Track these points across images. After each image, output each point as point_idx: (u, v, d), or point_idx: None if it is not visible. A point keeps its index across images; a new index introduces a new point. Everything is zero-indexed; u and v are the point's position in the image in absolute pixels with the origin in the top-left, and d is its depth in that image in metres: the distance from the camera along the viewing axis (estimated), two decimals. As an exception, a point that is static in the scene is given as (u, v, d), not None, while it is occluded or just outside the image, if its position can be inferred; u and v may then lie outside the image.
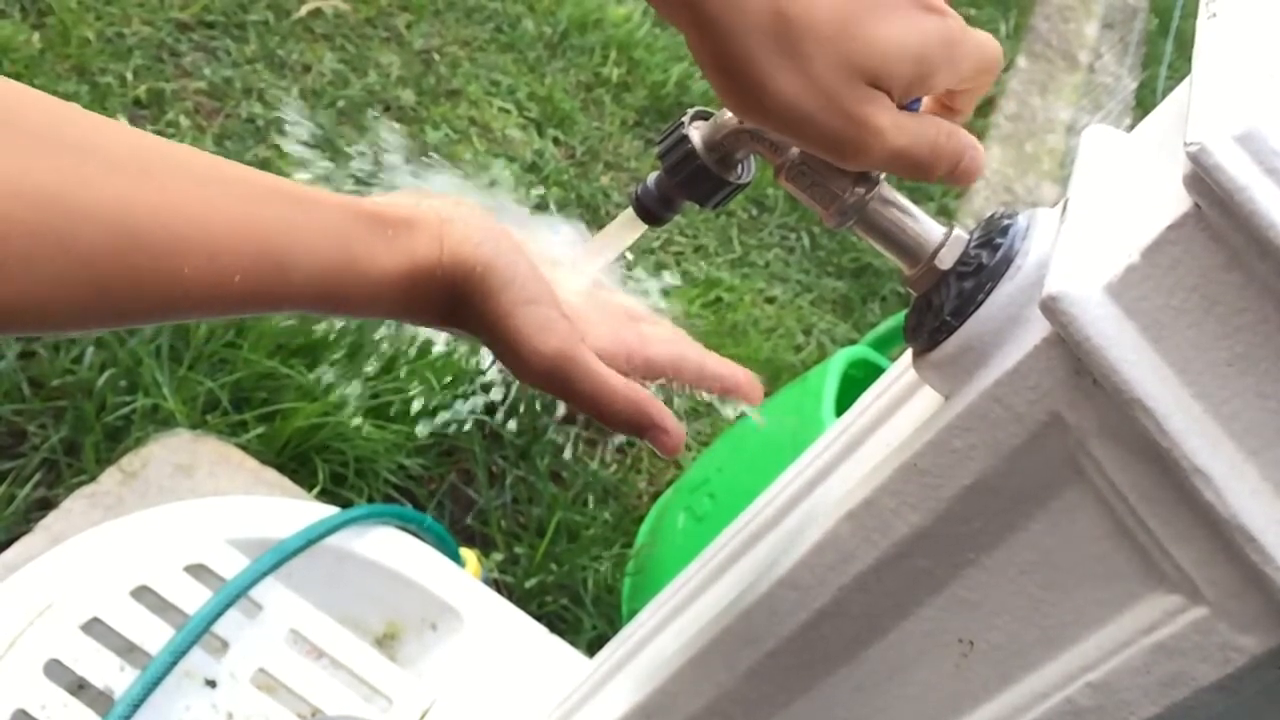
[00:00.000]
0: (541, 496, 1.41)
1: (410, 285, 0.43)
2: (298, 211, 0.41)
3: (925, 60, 0.40)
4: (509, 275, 0.45)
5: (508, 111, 1.94)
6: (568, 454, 1.48)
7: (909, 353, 0.50)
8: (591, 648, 1.20)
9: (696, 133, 0.48)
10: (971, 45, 0.42)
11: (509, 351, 0.45)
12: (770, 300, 1.95)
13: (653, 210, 0.51)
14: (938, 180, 0.43)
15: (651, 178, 0.50)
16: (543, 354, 0.45)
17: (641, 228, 0.52)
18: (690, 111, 0.49)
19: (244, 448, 1.19)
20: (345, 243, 0.42)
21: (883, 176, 0.46)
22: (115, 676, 0.89)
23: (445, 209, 0.46)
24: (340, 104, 1.76)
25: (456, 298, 0.44)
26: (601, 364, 0.47)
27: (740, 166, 0.49)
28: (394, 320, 0.45)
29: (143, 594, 0.94)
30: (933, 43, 0.40)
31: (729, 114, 0.48)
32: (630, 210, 0.52)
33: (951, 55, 0.41)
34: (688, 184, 0.49)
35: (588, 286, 0.52)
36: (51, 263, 0.35)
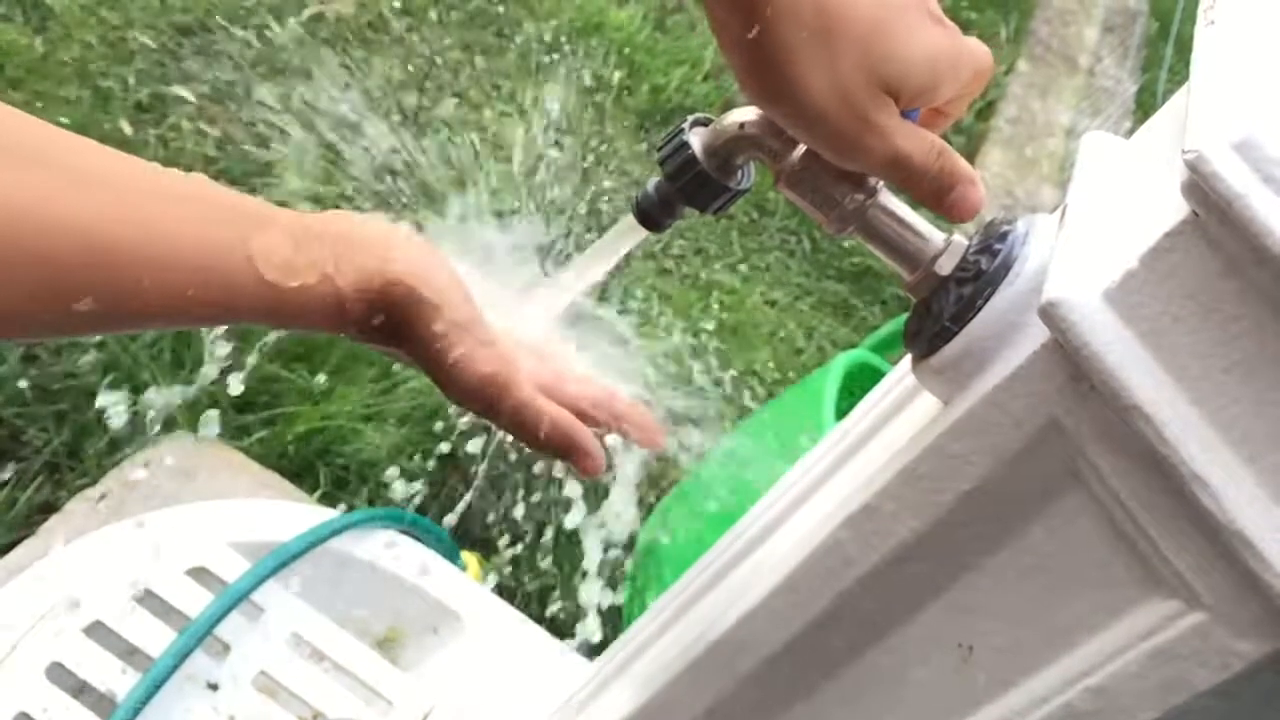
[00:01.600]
0: (542, 499, 1.41)
1: (353, 303, 0.45)
2: (248, 229, 0.43)
3: (935, 71, 0.42)
4: (444, 297, 0.46)
5: (509, 115, 1.95)
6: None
7: (908, 358, 0.50)
8: (592, 652, 1.20)
9: (697, 139, 0.48)
10: (969, 55, 0.43)
11: (440, 371, 0.47)
12: (771, 303, 1.95)
13: (653, 216, 0.51)
14: (928, 202, 0.44)
15: (652, 184, 0.50)
16: (473, 375, 0.47)
17: (642, 233, 0.53)
18: (690, 118, 0.49)
19: (245, 452, 1.19)
20: (291, 259, 0.43)
21: (881, 183, 0.47)
22: (117, 679, 0.89)
23: (385, 230, 0.47)
24: (342, 108, 1.76)
25: (395, 316, 0.46)
26: (528, 388, 0.48)
27: (740, 172, 0.49)
28: (336, 335, 0.47)
29: (145, 597, 0.95)
30: (943, 54, 0.42)
31: (729, 120, 0.48)
32: (630, 216, 0.52)
33: (955, 66, 0.43)
34: (688, 190, 0.49)
35: (506, 327, 0.54)
36: (27, 273, 0.37)
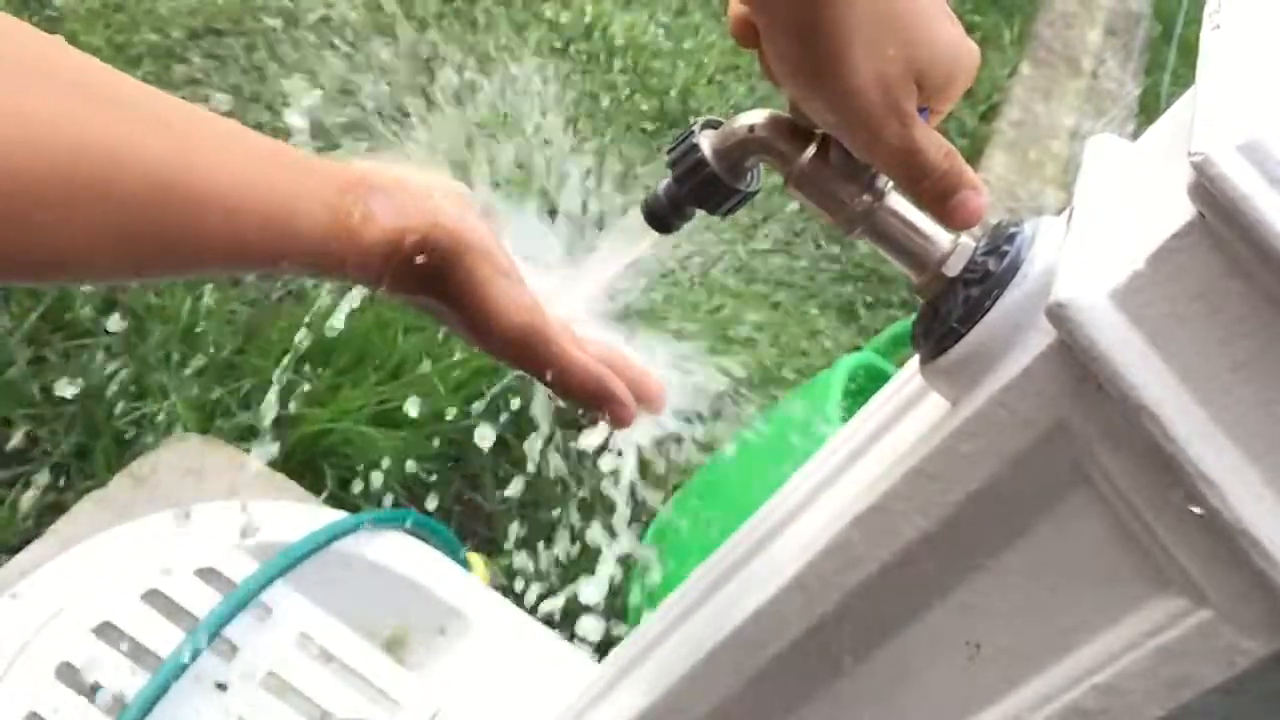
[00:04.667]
0: (548, 501, 1.41)
1: (397, 250, 0.45)
2: (302, 174, 0.43)
3: (954, 67, 0.44)
4: (485, 246, 0.47)
5: (513, 118, 1.95)
6: (574, 459, 1.48)
7: (914, 359, 0.50)
8: (598, 653, 1.20)
9: (706, 141, 0.49)
10: (976, 55, 0.46)
11: (482, 320, 0.47)
12: (775, 306, 1.95)
13: (662, 217, 0.51)
14: (931, 203, 0.44)
15: (661, 185, 0.51)
16: (515, 324, 0.47)
17: (650, 235, 0.53)
18: (700, 120, 0.50)
19: (252, 453, 1.19)
20: (342, 205, 0.44)
21: (889, 185, 0.47)
22: (127, 679, 0.89)
23: (427, 179, 0.48)
24: (348, 110, 1.77)
25: (437, 265, 0.46)
26: (565, 338, 0.48)
27: (749, 175, 0.50)
28: (378, 287, 0.47)
29: (153, 598, 0.95)
30: (961, 51, 0.44)
31: (739, 123, 0.48)
32: (638, 218, 0.52)
33: (968, 67, 0.45)
34: (697, 192, 0.49)
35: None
36: (90, 211, 0.37)
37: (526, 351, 0.47)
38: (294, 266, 0.44)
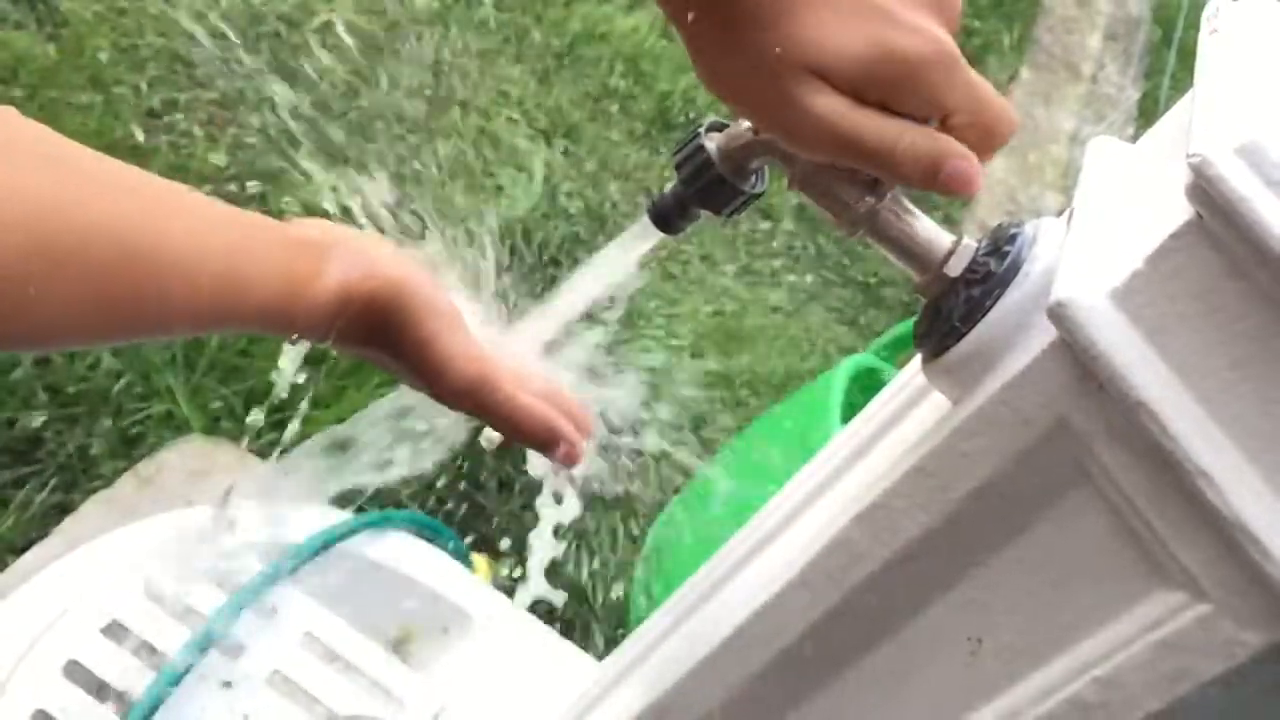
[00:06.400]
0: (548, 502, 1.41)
1: (343, 307, 0.46)
2: (250, 236, 0.44)
3: (872, 66, 0.40)
4: (431, 298, 0.48)
5: (516, 122, 1.96)
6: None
7: (916, 360, 0.51)
8: (602, 652, 1.21)
9: (712, 143, 0.49)
10: (962, 90, 0.41)
11: (432, 371, 0.48)
12: (776, 309, 1.96)
13: (668, 219, 0.52)
14: (918, 184, 0.42)
15: (668, 187, 0.52)
16: (466, 374, 0.48)
17: (656, 236, 0.54)
18: (706, 122, 0.50)
19: (257, 454, 1.20)
20: (290, 265, 0.44)
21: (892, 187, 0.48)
22: (134, 678, 0.90)
23: (369, 238, 0.49)
24: (351, 115, 1.77)
25: (383, 319, 0.47)
26: (513, 385, 0.49)
27: (754, 176, 0.51)
28: (325, 343, 0.47)
29: (160, 597, 0.95)
30: (887, 53, 0.40)
31: (744, 124, 0.49)
32: (642, 221, 0.53)
33: (904, 66, 0.40)
34: (703, 193, 0.50)
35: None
36: (68, 284, 0.37)
37: (477, 400, 0.48)
38: (243, 325, 0.44)
